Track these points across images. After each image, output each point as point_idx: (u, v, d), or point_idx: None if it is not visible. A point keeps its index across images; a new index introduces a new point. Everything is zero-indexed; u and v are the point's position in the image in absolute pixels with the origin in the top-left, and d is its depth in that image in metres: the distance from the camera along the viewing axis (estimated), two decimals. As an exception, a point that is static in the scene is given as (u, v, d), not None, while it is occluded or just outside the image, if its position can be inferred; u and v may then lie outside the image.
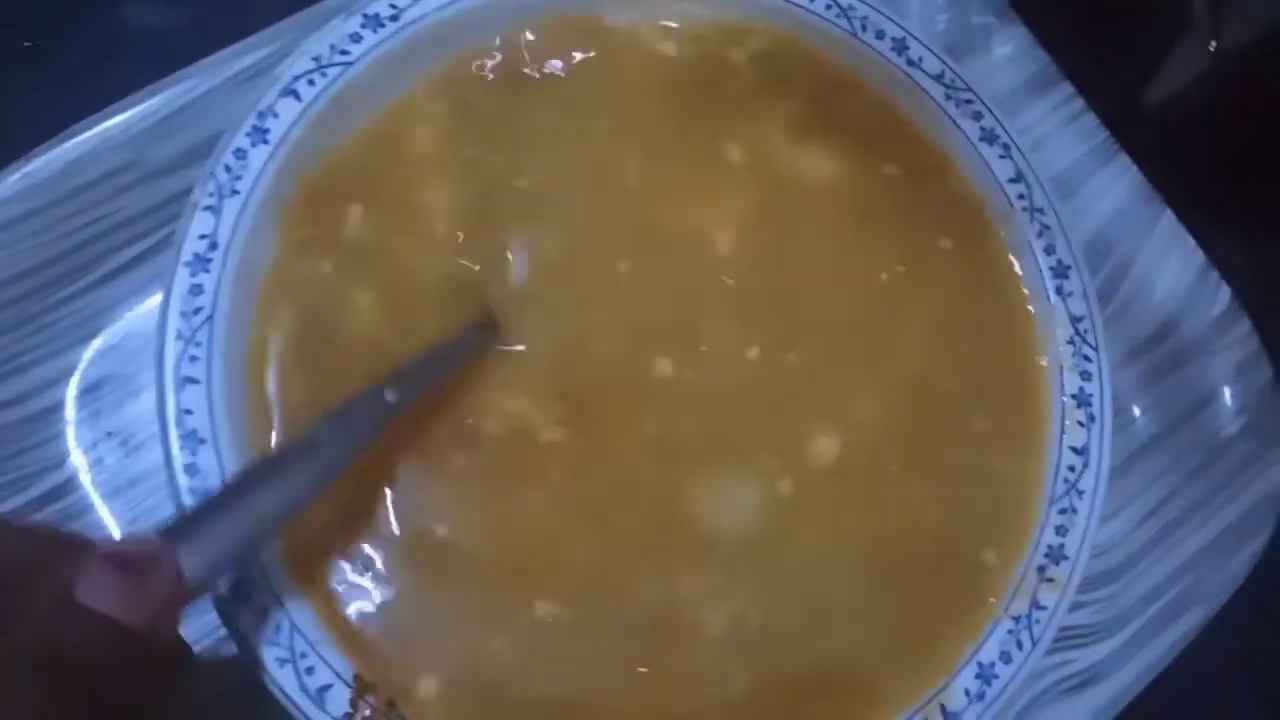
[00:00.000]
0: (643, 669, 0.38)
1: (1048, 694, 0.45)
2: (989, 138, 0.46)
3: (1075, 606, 0.45)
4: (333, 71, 0.41)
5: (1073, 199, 0.52)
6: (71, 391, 0.42)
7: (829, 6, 0.46)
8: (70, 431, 0.42)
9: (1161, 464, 0.49)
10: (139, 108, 0.44)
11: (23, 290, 0.43)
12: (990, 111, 0.46)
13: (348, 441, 0.34)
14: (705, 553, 0.39)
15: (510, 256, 0.41)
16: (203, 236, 0.39)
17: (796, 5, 0.46)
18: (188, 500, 0.36)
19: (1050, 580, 0.41)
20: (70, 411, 0.42)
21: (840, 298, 0.43)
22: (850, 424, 0.42)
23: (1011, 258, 0.45)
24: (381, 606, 0.37)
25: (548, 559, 0.38)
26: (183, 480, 0.36)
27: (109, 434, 0.42)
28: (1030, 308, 0.45)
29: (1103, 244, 0.51)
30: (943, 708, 0.39)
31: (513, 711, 0.37)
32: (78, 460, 0.42)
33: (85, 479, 0.41)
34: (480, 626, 0.37)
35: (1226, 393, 0.51)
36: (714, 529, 0.39)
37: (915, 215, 0.45)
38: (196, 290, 0.38)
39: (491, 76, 0.44)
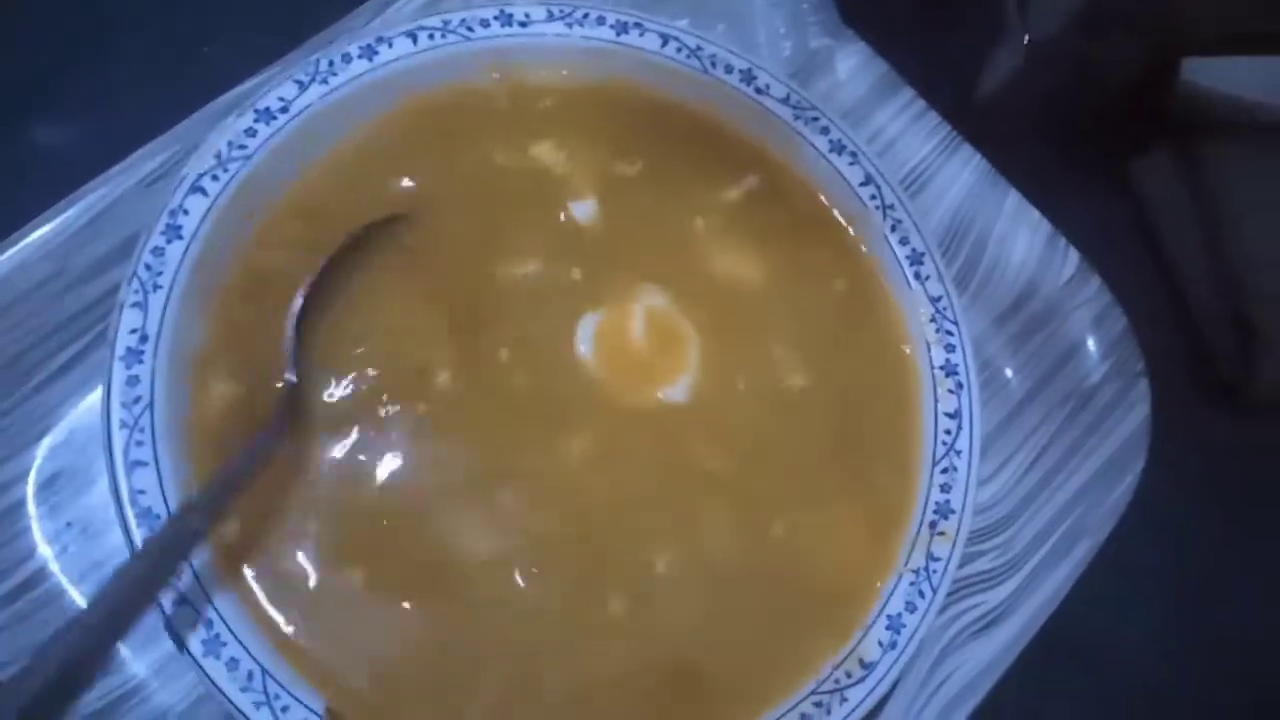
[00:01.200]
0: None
1: (959, 638, 0.49)
2: (837, 148, 0.51)
3: (974, 556, 0.50)
4: (234, 166, 0.45)
5: (926, 191, 0.57)
6: (30, 489, 0.45)
7: (679, 49, 0.51)
8: (34, 526, 0.45)
9: (1037, 417, 0.54)
10: (58, 220, 0.48)
11: (-32, 403, 0.46)
12: (835, 124, 0.51)
13: (158, 578, 0.37)
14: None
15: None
16: (133, 331, 0.42)
17: (647, 52, 0.51)
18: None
19: (941, 534, 0.46)
20: (31, 508, 0.45)
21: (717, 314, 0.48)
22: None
23: (871, 253, 0.50)
24: (343, 637, 0.41)
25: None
26: (144, 555, 0.40)
27: (69, 524, 0.45)
28: (892, 295, 0.50)
29: (958, 228, 0.57)
30: (861, 660, 0.43)
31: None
32: (44, 551, 0.45)
33: (54, 568, 0.44)
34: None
35: (1087, 344, 0.56)
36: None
37: (781, 231, 0.50)
38: (134, 381, 0.42)
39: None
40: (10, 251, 0.47)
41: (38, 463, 0.46)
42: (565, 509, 0.43)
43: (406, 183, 0.48)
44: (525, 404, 0.44)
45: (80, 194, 0.48)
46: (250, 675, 0.39)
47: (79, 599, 0.44)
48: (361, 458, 0.43)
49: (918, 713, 0.48)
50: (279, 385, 0.43)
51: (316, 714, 0.39)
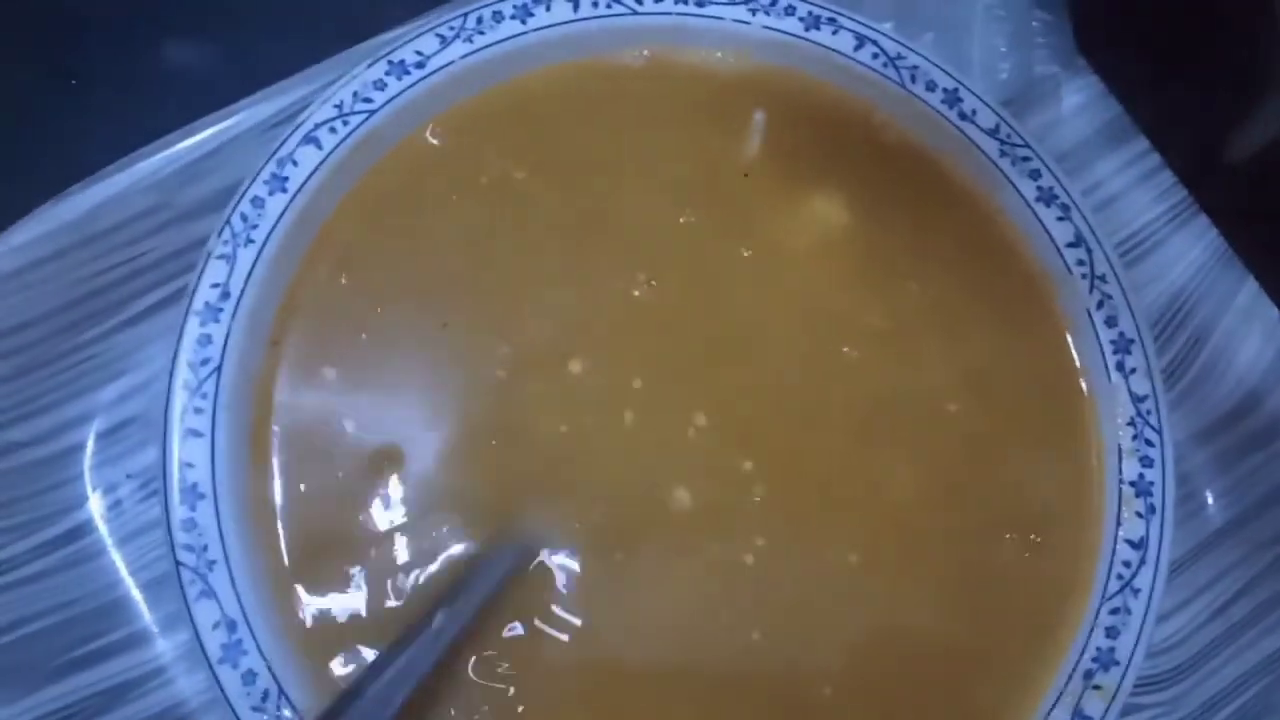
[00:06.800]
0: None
1: (1097, 807, 0.41)
2: (1047, 198, 0.42)
3: (1132, 709, 0.42)
4: (355, 120, 0.40)
5: (1145, 262, 0.48)
6: (93, 433, 0.42)
7: (875, 55, 0.44)
8: (88, 474, 0.42)
9: (1234, 556, 0.45)
10: (169, 150, 0.44)
11: (48, 330, 0.43)
12: (1049, 169, 0.43)
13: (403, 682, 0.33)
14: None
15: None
16: (215, 285, 0.38)
17: (837, 53, 0.43)
18: (182, 557, 0.35)
19: (1097, 688, 0.37)
20: (91, 453, 0.42)
21: (871, 375, 0.41)
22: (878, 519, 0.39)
23: (1067, 331, 0.42)
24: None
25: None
26: (180, 537, 0.36)
27: (129, 476, 0.42)
28: (1085, 385, 0.41)
29: (1178, 313, 0.48)
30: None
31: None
32: (95, 503, 0.41)
33: (100, 523, 0.41)
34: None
35: (1312, 479, 0.46)
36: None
37: (960, 284, 0.42)
38: (205, 340, 0.38)
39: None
40: (114, 178, 0.44)
41: (107, 407, 0.42)
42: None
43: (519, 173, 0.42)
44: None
45: (197, 126, 0.44)
46: (265, 695, 0.34)
47: (119, 562, 0.41)
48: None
49: None
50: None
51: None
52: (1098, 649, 0.38)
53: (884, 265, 0.42)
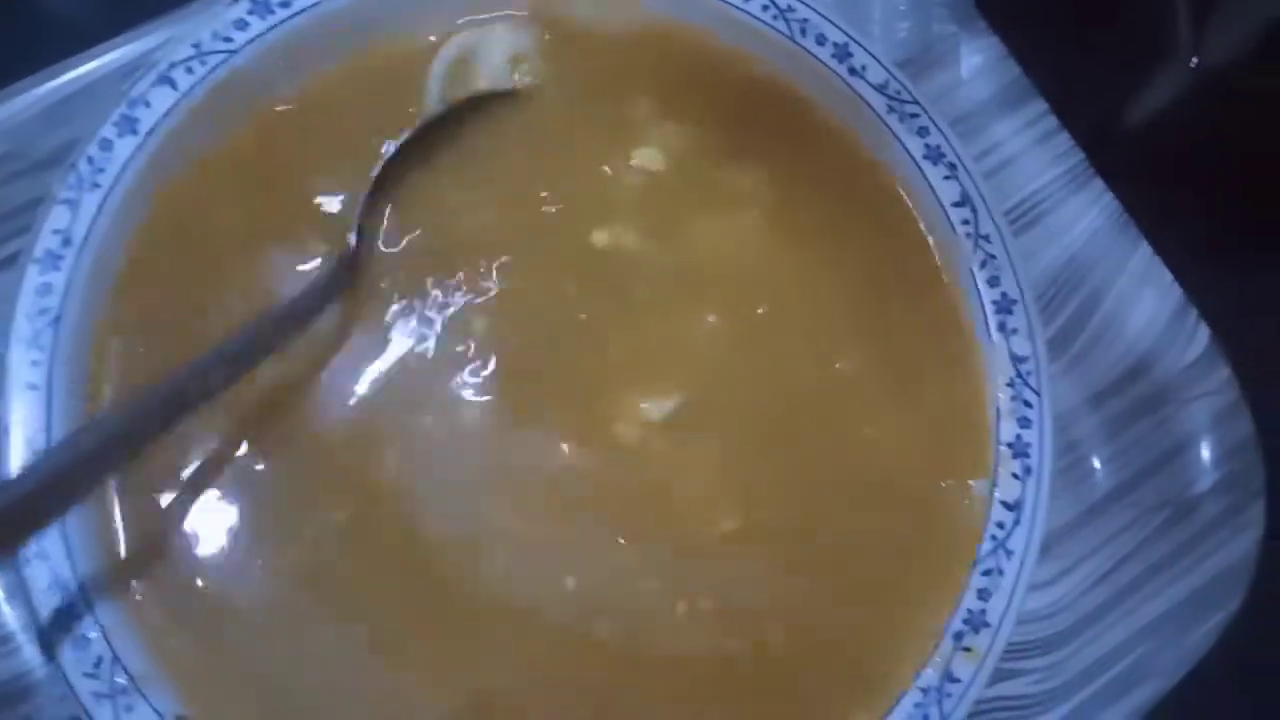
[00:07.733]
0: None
1: (973, 772, 0.40)
2: (934, 156, 0.42)
3: (1011, 674, 0.42)
4: (213, 60, 0.38)
5: (1038, 226, 0.47)
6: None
7: (765, 7, 0.42)
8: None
9: (1121, 520, 0.45)
10: (23, 96, 0.42)
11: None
12: (937, 127, 0.42)
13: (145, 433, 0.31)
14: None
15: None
16: (56, 232, 0.36)
17: (727, 4, 0.42)
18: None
19: (967, 650, 0.37)
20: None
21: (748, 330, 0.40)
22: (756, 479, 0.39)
23: (950, 290, 0.41)
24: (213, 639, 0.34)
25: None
26: (11, 494, 0.34)
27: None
28: (967, 345, 0.40)
29: (1071, 275, 0.47)
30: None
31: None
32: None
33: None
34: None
35: (1200, 445, 0.46)
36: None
37: (842, 242, 0.41)
38: (45, 290, 0.36)
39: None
40: (-35, 122, 0.41)
41: (-45, 364, 0.40)
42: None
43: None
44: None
45: (55, 71, 0.42)
46: (99, 662, 0.33)
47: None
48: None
49: None
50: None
51: (163, 723, 0.33)
52: (969, 610, 0.37)
53: (769, 225, 0.41)
